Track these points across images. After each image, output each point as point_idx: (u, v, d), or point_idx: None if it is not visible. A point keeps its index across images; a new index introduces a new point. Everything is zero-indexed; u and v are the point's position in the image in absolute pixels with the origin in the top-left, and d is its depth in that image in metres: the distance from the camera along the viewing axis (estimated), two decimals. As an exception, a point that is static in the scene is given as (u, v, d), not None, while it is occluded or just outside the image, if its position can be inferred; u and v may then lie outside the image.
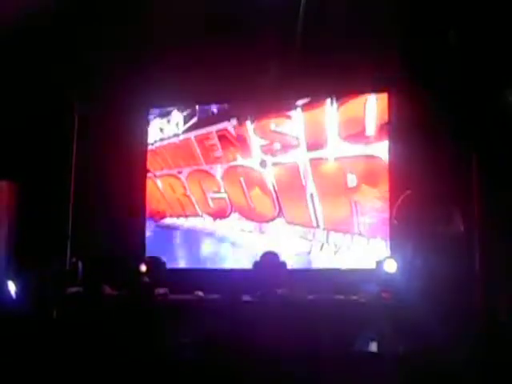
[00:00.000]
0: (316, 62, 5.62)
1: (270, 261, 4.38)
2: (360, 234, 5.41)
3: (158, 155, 6.32)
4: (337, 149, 5.45)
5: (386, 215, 5.29)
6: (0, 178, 6.23)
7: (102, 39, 5.72)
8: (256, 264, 4.46)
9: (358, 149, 5.43)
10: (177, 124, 6.12)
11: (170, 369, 4.07)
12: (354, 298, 4.87)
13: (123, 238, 6.04)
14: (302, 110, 5.49)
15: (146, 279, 5.29)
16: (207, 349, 4.02)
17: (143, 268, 5.35)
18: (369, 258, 5.10)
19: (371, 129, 5.43)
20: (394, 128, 5.50)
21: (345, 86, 5.79)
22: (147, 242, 6.37)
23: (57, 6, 5.36)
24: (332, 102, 5.42)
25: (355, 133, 5.44)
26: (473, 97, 5.18)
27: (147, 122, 6.45)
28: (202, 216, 6.16)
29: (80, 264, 5.57)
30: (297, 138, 5.61)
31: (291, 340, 3.74)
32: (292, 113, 5.58)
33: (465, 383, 3.44)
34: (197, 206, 6.17)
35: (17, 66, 5.86)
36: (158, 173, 6.31)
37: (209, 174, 6.09)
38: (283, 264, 4.47)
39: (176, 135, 6.14)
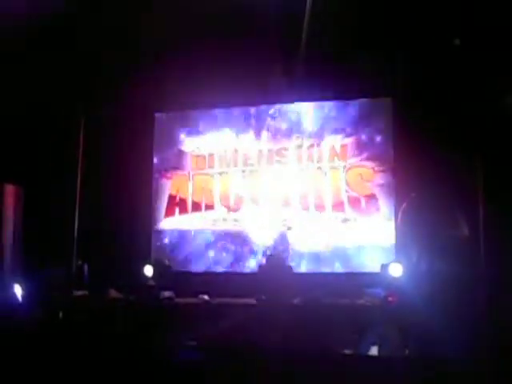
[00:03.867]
0: (320, 68, 5.67)
1: (275, 264, 4.39)
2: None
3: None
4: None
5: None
6: (6, 182, 6.26)
7: (109, 45, 5.75)
8: (261, 267, 4.47)
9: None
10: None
11: (174, 372, 4.06)
12: (360, 301, 4.87)
13: (129, 241, 6.06)
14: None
15: (152, 282, 5.31)
16: (212, 352, 4.01)
17: (149, 271, 5.37)
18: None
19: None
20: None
21: (349, 91, 5.86)
22: (152, 245, 6.40)
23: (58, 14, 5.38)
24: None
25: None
26: (477, 102, 5.20)
27: (153, 126, 6.55)
28: (215, 209, 6.34)
29: (86, 267, 5.60)
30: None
31: (296, 343, 3.73)
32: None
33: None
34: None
35: (24, 71, 5.89)
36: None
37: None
38: (289, 267, 4.48)
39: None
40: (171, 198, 6.49)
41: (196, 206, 6.42)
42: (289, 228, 6.10)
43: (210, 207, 6.38)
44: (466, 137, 5.25)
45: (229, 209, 6.32)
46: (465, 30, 5.21)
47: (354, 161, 5.98)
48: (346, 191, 5.98)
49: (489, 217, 5.09)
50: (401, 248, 5.35)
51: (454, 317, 3.91)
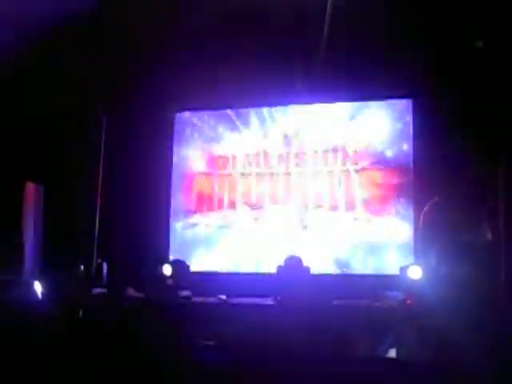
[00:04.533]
0: (341, 67, 5.65)
1: (293, 265, 4.36)
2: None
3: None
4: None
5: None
6: (27, 181, 6.32)
7: (131, 45, 5.78)
8: (279, 268, 4.45)
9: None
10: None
11: (190, 371, 4.05)
12: (378, 303, 4.83)
13: (148, 240, 6.09)
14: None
15: (170, 282, 5.32)
16: (229, 352, 4.00)
17: (167, 271, 5.39)
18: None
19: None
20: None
21: (369, 91, 5.83)
22: (171, 244, 6.41)
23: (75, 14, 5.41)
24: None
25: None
26: (500, 102, 5.13)
27: (173, 126, 6.58)
28: (237, 208, 6.35)
29: (105, 266, 5.63)
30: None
31: (313, 345, 3.71)
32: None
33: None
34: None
35: (44, 69, 5.94)
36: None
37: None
38: (306, 268, 4.45)
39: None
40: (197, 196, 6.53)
41: (218, 206, 6.45)
42: (304, 227, 6.09)
43: (231, 206, 6.40)
44: (489, 138, 5.19)
45: (250, 208, 6.33)
46: (491, 31, 5.15)
47: (367, 163, 5.95)
48: (361, 193, 5.96)
49: (510, 222, 5.02)
50: (420, 250, 5.31)
51: (474, 321, 3.86)
